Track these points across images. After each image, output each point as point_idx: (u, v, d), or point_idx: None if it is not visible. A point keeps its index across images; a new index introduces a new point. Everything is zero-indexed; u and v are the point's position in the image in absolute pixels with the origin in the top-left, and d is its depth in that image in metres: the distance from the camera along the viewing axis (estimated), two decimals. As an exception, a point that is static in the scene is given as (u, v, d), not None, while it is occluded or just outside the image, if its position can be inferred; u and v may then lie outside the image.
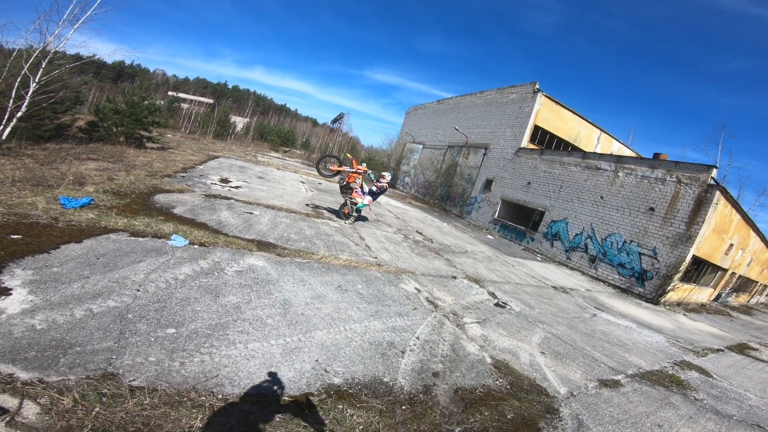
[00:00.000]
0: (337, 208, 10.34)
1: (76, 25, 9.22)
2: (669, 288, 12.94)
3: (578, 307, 8.89)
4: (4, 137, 8.60)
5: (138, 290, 3.63)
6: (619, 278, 14.22)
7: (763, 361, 8.52)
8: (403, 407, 3.08)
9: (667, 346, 7.58)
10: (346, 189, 9.62)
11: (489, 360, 4.47)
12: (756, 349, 9.68)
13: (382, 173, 10.02)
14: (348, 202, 9.70)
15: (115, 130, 13.05)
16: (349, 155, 10.81)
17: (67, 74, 10.30)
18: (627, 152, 25.82)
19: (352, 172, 9.51)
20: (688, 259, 12.70)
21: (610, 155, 16.37)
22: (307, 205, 10.65)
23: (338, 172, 9.74)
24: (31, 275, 3.41)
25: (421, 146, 32.84)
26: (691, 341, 8.69)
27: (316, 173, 20.21)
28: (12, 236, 4.11)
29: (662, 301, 13.03)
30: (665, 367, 6.17)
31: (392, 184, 34.62)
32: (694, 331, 10.32)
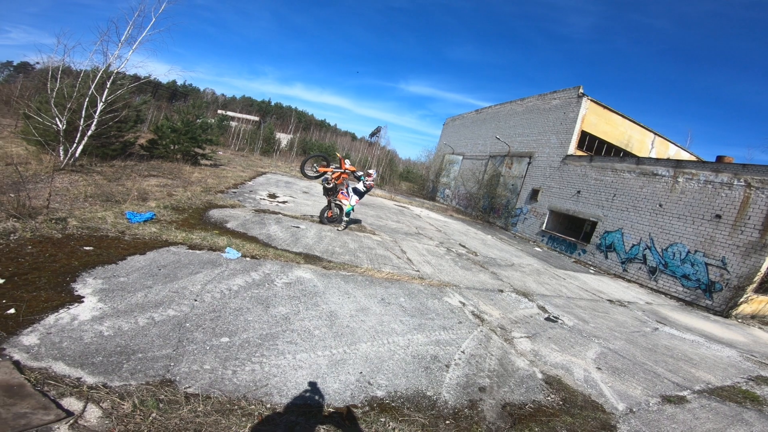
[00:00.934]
0: (380, 223, 10.33)
1: (135, 45, 10.05)
2: (741, 300, 11.75)
3: (637, 320, 8.30)
4: (77, 155, 9.49)
5: (195, 300, 3.85)
6: (683, 290, 13.12)
7: None
8: (447, 422, 3.01)
9: (740, 361, 6.87)
10: (331, 191, 8.90)
11: (540, 375, 4.27)
12: None
13: (368, 171, 9.09)
14: (332, 205, 9.14)
15: (172, 147, 13.99)
16: (338, 154, 9.91)
17: (128, 94, 11.10)
18: (686, 156, 24.03)
19: (341, 173, 8.84)
20: (764, 268, 11.50)
21: (668, 160, 15.30)
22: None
23: (324, 173, 8.89)
24: (101, 284, 3.72)
25: (461, 157, 32.37)
26: None
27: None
28: (85, 248, 4.52)
29: (733, 313, 11.84)
30: (738, 382, 5.62)
31: (432, 196, 34.26)
32: None
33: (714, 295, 12.31)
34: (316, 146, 43.89)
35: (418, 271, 7.23)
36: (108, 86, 9.80)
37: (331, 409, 2.80)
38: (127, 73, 11.14)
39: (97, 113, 9.59)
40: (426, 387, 3.43)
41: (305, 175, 9.11)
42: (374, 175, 9.25)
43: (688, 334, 8.13)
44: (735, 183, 12.45)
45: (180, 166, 12.85)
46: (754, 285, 11.74)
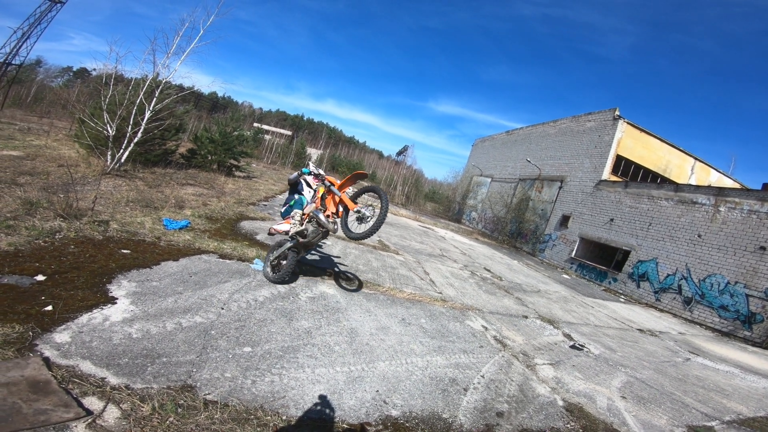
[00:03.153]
0: (404, 243, 10.00)
1: (183, 56, 10.54)
2: (785, 334, 10.99)
3: (668, 350, 7.89)
4: (123, 160, 10.01)
5: (222, 308, 3.98)
6: (720, 321, 12.38)
7: None
8: (463, 448, 2.95)
9: None
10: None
11: (561, 402, 4.12)
12: None
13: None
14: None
15: (209, 158, 14.57)
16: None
17: (172, 103, 11.59)
18: (728, 183, 22.88)
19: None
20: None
21: (708, 187, 14.66)
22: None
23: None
24: (135, 287, 3.91)
25: (489, 179, 32.00)
26: None
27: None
28: (123, 251, 4.77)
29: (775, 347, 11.07)
30: None
31: (458, 218, 33.51)
32: None
33: (754, 326, 11.65)
34: (345, 163, 44.70)
35: (440, 293, 7.18)
36: (156, 95, 10.27)
37: (345, 426, 2.80)
38: (174, 82, 11.63)
39: (145, 121, 10.05)
40: (442, 409, 3.38)
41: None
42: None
43: (722, 365, 7.72)
44: (782, 214, 11.77)
45: (215, 176, 13.37)
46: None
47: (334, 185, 5.09)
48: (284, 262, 5.18)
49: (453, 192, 38.16)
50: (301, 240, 4.91)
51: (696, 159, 21.46)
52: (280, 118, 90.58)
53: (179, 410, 2.42)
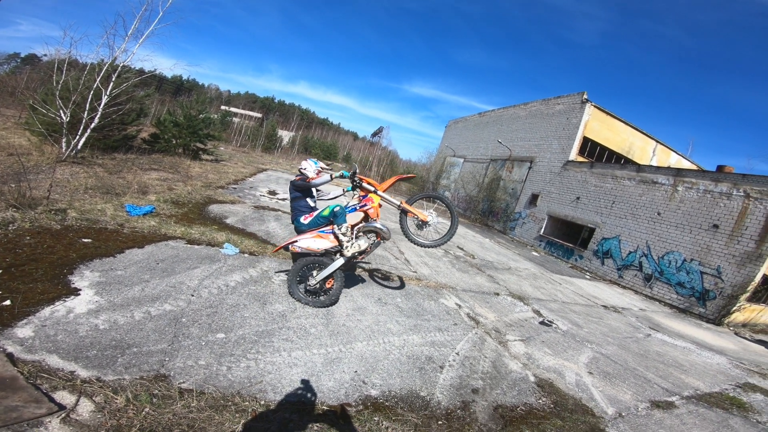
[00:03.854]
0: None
1: (141, 39, 10.12)
2: (734, 308, 11.83)
3: (631, 327, 8.34)
4: (79, 147, 9.52)
5: (192, 295, 3.87)
6: (677, 298, 13.18)
7: None
8: (440, 422, 3.03)
9: (730, 368, 6.94)
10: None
11: (532, 378, 4.30)
12: None
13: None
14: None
15: (174, 142, 14.02)
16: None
17: (132, 87, 11.15)
18: (686, 165, 24.08)
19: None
20: (758, 278, 11.58)
21: (668, 168, 15.36)
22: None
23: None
24: (98, 277, 3.73)
25: (461, 160, 32.42)
26: (757, 363, 7.90)
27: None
28: (83, 240, 4.53)
29: (726, 321, 11.91)
30: (726, 389, 5.69)
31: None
32: (761, 353, 9.37)
33: (707, 303, 12.39)
34: (318, 144, 43.97)
35: (415, 272, 7.26)
36: (113, 80, 9.84)
37: (325, 407, 2.82)
38: (133, 66, 11.21)
39: (101, 106, 9.65)
40: (420, 387, 3.45)
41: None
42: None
43: (679, 341, 8.18)
44: (734, 193, 12.52)
45: (181, 160, 12.87)
46: (748, 294, 11.82)
47: (377, 188, 4.69)
48: (333, 285, 4.54)
49: (427, 172, 38.47)
50: (359, 258, 4.52)
51: (657, 142, 22.38)
52: (250, 101, 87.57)
53: (154, 400, 2.38)
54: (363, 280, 5.83)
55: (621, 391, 4.59)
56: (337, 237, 4.41)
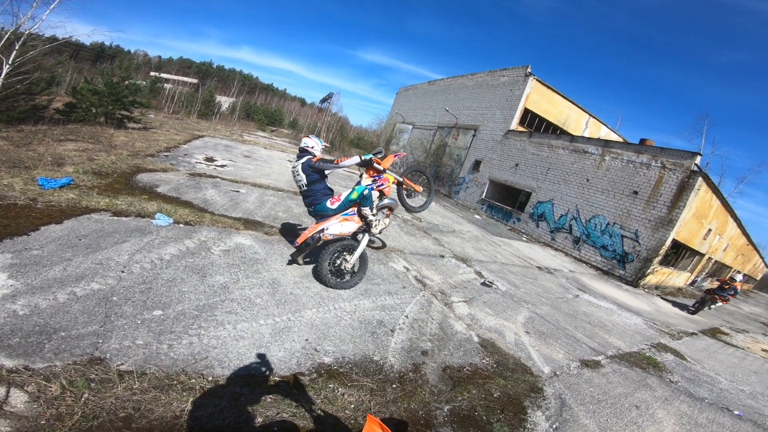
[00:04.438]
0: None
1: (52, 6, 8.92)
2: (648, 271, 13.30)
3: (562, 287, 9.08)
4: (-25, 118, 8.27)
5: (122, 272, 3.56)
6: (602, 260, 14.54)
7: (733, 345, 8.80)
8: (394, 386, 3.13)
9: (645, 328, 7.80)
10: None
11: (476, 339, 4.55)
12: (727, 334, 10.02)
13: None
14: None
15: (94, 111, 12.65)
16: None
17: (42, 55, 9.96)
18: (614, 137, 26.02)
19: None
20: (668, 242, 13.04)
21: (598, 140, 16.50)
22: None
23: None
24: (11, 259, 3.30)
25: (411, 126, 32.65)
26: (667, 324, 8.96)
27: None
28: (-12, 217, 3.96)
29: (641, 283, 13.40)
30: (643, 349, 6.33)
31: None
32: (671, 314, 10.64)
33: (627, 265, 13.79)
34: (261, 110, 41.68)
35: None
36: (17, 48, 8.61)
37: (277, 378, 2.78)
38: (44, 34, 9.91)
39: (2, 76, 8.45)
40: (373, 352, 3.51)
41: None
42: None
43: (603, 302, 9.04)
44: (653, 164, 13.79)
45: (103, 129, 11.58)
46: (660, 257, 13.30)
47: (384, 167, 4.83)
48: (359, 262, 4.76)
49: (377, 138, 38.40)
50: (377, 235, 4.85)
51: (591, 115, 23.87)
52: (184, 66, 79.97)
53: (92, 385, 2.23)
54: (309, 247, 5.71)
55: (555, 351, 4.99)
56: (364, 217, 4.51)
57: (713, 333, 9.64)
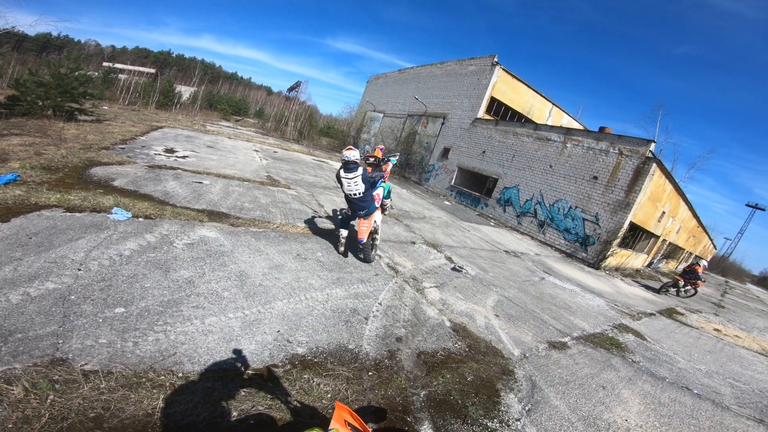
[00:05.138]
0: (296, 177, 9.73)
1: None
2: (609, 253, 13.98)
3: (528, 270, 9.39)
4: None
5: (79, 269, 3.37)
6: (565, 243, 15.14)
7: (688, 325, 9.30)
8: (370, 373, 3.16)
9: (607, 310, 8.13)
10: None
11: (448, 324, 4.64)
12: (682, 314, 10.63)
13: (379, 149, 6.53)
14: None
15: (40, 103, 11.80)
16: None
17: None
18: (576, 125, 26.96)
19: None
20: (626, 225, 13.73)
21: (560, 128, 17.05)
22: (266, 175, 10.24)
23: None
24: (-49, 258, 3.05)
25: (381, 115, 32.57)
26: (627, 305, 9.41)
27: (271, 142, 19.42)
28: None
29: (603, 265, 14.07)
30: (606, 329, 6.59)
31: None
32: (630, 295, 11.20)
33: (588, 248, 14.42)
34: (225, 100, 40.24)
35: (335, 224, 7.21)
36: None
37: (251, 371, 2.74)
38: None
39: None
40: (347, 340, 3.52)
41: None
42: (392, 162, 6.69)
43: (567, 284, 9.38)
44: (611, 151, 14.40)
45: (51, 123, 10.82)
46: (619, 239, 13.99)
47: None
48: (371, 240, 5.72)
49: (348, 127, 38.04)
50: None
51: (553, 104, 24.60)
52: (141, 56, 75.59)
53: (57, 386, 2.15)
54: (281, 237, 5.63)
55: (523, 333, 5.16)
56: (384, 206, 6.12)
57: (670, 313, 10.21)
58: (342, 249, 5.75)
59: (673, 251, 27.37)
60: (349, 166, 5.18)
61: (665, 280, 19.29)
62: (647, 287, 12.64)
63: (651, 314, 9.32)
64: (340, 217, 6.28)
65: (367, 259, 5.70)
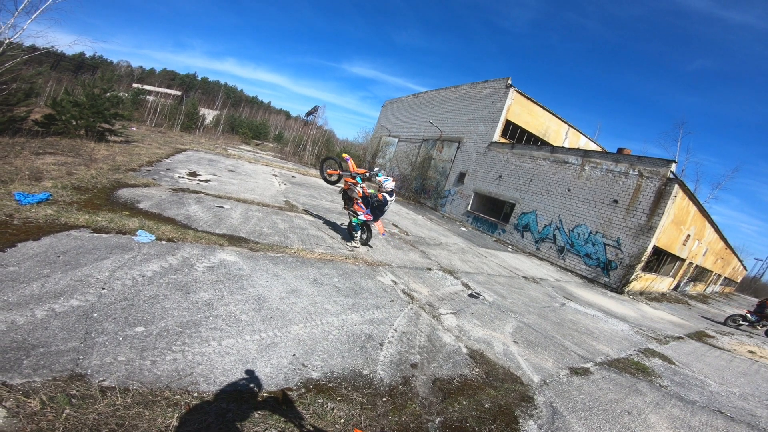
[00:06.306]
0: (314, 203, 9.99)
1: (35, 15, 8.72)
2: (632, 278, 13.57)
3: (548, 296, 9.17)
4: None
5: (103, 288, 3.47)
6: (586, 268, 14.77)
7: (719, 348, 8.99)
8: (384, 399, 3.10)
9: (632, 334, 7.90)
10: (346, 199, 7.77)
11: (465, 350, 4.55)
12: (713, 337, 10.24)
13: (376, 175, 7.37)
14: (350, 216, 7.67)
15: (74, 123, 12.38)
16: (344, 155, 8.04)
17: (20, 65, 9.71)
18: (593, 147, 26.75)
19: (348, 177, 7.62)
20: (650, 249, 13.35)
21: (578, 150, 16.92)
22: (285, 201, 10.44)
23: (340, 177, 8.03)
24: (-15, 275, 3.19)
25: (396, 139, 32.94)
26: (653, 329, 9.11)
27: (289, 167, 19.85)
28: (-39, 234, 3.83)
29: (626, 290, 13.64)
30: (631, 354, 6.40)
31: (368, 177, 34.08)
32: (656, 319, 10.82)
33: (610, 273, 14.03)
34: (246, 123, 41.54)
35: (352, 250, 7.24)
36: None
37: (265, 394, 2.73)
38: (23, 43, 9.66)
39: None
40: (362, 366, 3.48)
41: (326, 181, 8.34)
42: (388, 185, 7.11)
43: (589, 309, 9.14)
44: (630, 172, 14.17)
45: (83, 143, 11.36)
46: (642, 264, 13.59)
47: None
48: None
49: (364, 152, 38.47)
50: None
51: (570, 125, 24.54)
52: (167, 78, 79.58)
53: (74, 401, 2.18)
54: (298, 262, 5.69)
55: (543, 359, 5.02)
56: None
57: (699, 336, 9.82)
58: (365, 237, 7.78)
59: (700, 274, 26.39)
60: (392, 192, 7.16)
61: (692, 303, 18.53)
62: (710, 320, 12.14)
63: (679, 338, 9.00)
64: (356, 223, 7.48)
65: (368, 242, 7.93)
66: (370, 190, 7.66)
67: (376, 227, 7.93)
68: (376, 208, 7.30)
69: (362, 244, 7.86)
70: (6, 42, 8.70)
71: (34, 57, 10.30)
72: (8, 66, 8.86)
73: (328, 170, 8.20)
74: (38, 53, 10.20)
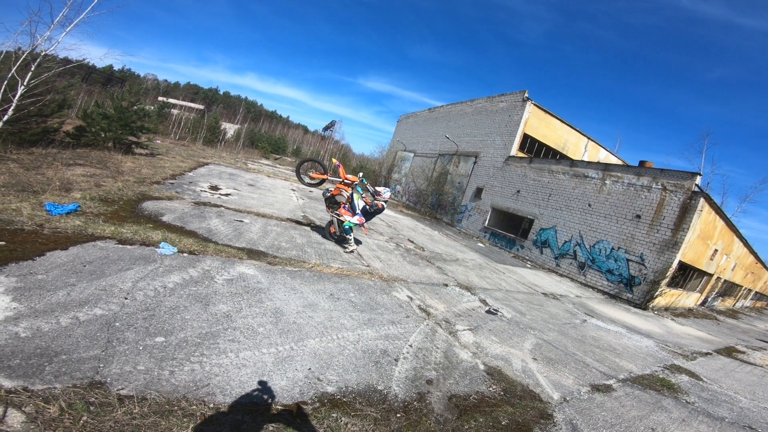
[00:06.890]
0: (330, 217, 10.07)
1: (69, 28, 9.15)
2: (657, 293, 13.12)
3: (568, 313, 8.95)
4: (-11, 141, 8.47)
5: (126, 298, 3.56)
6: (608, 284, 14.36)
7: (750, 363, 8.61)
8: (398, 415, 3.06)
9: (657, 351, 7.64)
10: (331, 203, 8.04)
11: (482, 367, 4.46)
12: (743, 352, 9.80)
13: (377, 188, 7.96)
14: (335, 220, 8.05)
15: (103, 135, 12.88)
16: (335, 160, 8.56)
17: (55, 77, 10.18)
18: (614, 160, 26.26)
19: (339, 183, 8.00)
20: (675, 264, 12.91)
21: (598, 163, 16.63)
22: (302, 215, 10.56)
23: (322, 181, 8.45)
24: (15, 282, 3.32)
25: (412, 154, 33.00)
26: (680, 345, 8.78)
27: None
28: (-5, 243, 4.01)
29: (650, 306, 13.19)
30: (656, 371, 6.20)
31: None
32: (683, 335, 10.43)
33: (634, 288, 13.59)
34: (265, 138, 42.51)
35: (368, 266, 7.25)
36: (33, 69, 8.84)
37: (280, 407, 2.73)
38: (58, 56, 10.17)
39: (16, 97, 8.63)
40: (377, 381, 3.45)
41: (301, 182, 8.61)
42: (385, 195, 7.93)
43: (612, 326, 8.87)
44: (653, 186, 13.82)
45: (111, 154, 11.82)
46: (667, 279, 13.14)
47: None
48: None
49: (379, 167, 38.76)
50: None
51: (589, 138, 24.19)
52: (191, 92, 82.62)
53: (91, 408, 2.22)
54: (315, 277, 5.72)
55: (564, 376, 4.88)
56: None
57: (729, 352, 9.41)
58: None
59: (729, 288, 25.30)
60: (387, 201, 7.97)
61: (720, 318, 17.76)
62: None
63: (707, 353, 8.64)
64: (348, 226, 7.76)
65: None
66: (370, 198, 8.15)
67: (362, 228, 8.33)
68: (371, 213, 8.02)
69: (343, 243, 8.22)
70: (42, 54, 9.14)
71: (67, 69, 10.79)
72: (44, 78, 9.29)
73: (311, 172, 8.73)
74: (71, 65, 10.69)
